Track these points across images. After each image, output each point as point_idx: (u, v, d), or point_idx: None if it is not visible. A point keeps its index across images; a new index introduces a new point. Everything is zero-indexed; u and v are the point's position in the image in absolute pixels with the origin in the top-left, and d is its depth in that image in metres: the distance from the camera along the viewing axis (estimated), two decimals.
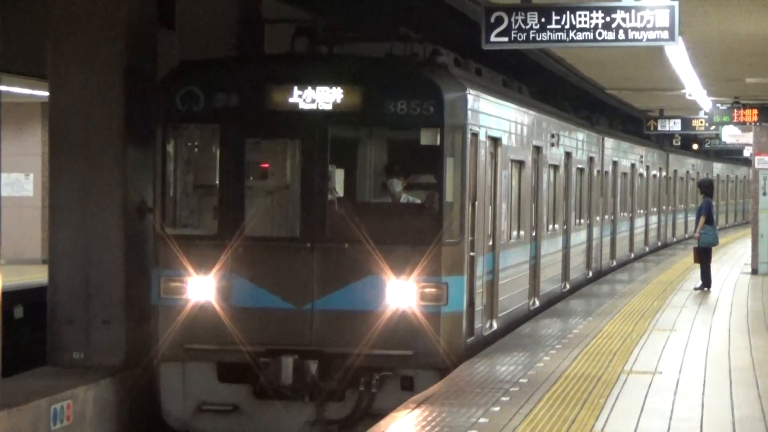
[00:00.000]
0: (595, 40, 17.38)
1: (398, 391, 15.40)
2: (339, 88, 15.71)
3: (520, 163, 21.32)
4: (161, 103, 16.00)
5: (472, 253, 16.45)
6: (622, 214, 37.76)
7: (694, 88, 34.63)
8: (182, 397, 15.83)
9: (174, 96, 15.85)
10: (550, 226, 25.73)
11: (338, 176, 16.75)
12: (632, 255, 38.58)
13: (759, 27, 22.47)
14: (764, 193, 37.50)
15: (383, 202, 17.21)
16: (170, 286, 15.86)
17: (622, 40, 17.41)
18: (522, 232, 21.74)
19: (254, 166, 17.07)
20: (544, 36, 17.61)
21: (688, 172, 53.74)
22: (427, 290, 15.72)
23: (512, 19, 17.54)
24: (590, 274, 31.75)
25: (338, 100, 15.75)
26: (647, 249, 41.96)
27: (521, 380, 14.60)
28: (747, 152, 49.13)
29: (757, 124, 36.97)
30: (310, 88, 15.75)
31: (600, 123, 34.00)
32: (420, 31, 21.88)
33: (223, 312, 15.72)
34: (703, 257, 30.70)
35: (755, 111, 36.33)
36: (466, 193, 16.09)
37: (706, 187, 32.44)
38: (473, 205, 16.62)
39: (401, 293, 15.53)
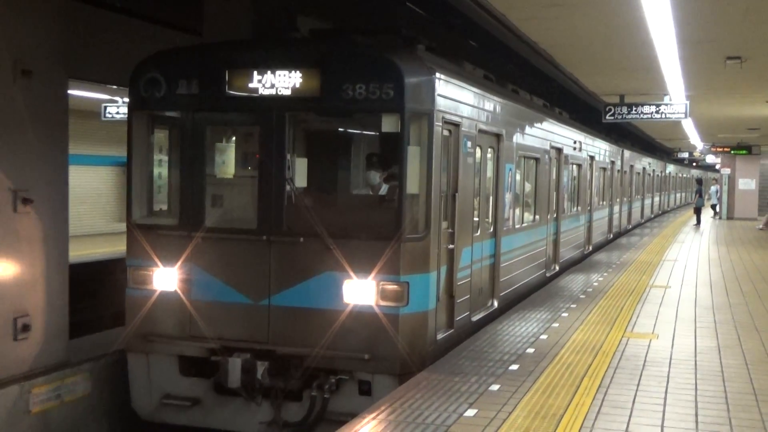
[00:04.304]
0: (651, 118, 18.72)
1: (356, 395, 9.81)
2: (297, 71, 9.78)
3: (536, 160, 15.49)
4: (130, 91, 10.49)
5: (451, 246, 10.60)
6: (636, 196, 33.61)
7: (694, 138, 37.83)
8: (148, 388, 10.60)
9: (138, 82, 10.37)
10: (573, 209, 19.61)
11: (299, 166, 10.35)
12: (642, 219, 36.62)
13: (726, 113, 24.53)
14: (724, 184, 42.98)
15: (345, 194, 11.65)
16: (137, 275, 10.36)
17: (663, 118, 18.66)
18: (538, 216, 15.78)
19: (214, 154, 11.25)
20: (629, 116, 19.00)
21: (676, 173, 57.04)
22: (387, 289, 9.48)
23: (615, 109, 18.96)
24: (611, 236, 26.61)
25: (297, 85, 9.78)
26: (652, 215, 41.71)
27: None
28: (717, 166, 51.86)
29: (723, 154, 41.73)
30: (268, 72, 9.87)
31: (622, 140, 29.92)
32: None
33: (182, 304, 10.24)
34: (697, 211, 36.80)
35: (723, 148, 40.72)
36: (434, 185, 9.84)
37: (699, 181, 39.58)
38: (453, 197, 10.71)
39: (359, 292, 9.61)
